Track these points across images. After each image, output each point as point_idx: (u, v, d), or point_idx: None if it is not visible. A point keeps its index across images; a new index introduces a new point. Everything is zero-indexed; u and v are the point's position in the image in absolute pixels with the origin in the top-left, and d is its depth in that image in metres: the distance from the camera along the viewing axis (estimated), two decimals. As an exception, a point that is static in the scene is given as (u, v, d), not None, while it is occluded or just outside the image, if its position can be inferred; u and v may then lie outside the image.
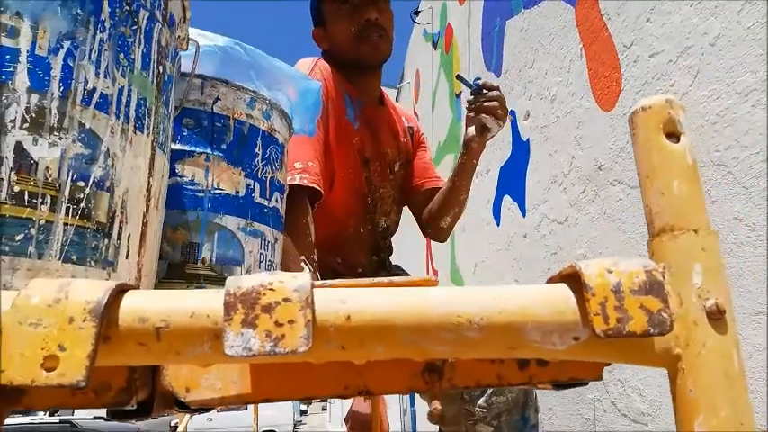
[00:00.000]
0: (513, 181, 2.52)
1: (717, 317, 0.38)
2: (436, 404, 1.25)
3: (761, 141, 1.07)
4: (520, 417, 1.49)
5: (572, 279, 0.38)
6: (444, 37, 3.93)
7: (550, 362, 0.43)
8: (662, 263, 0.40)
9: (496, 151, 2.72)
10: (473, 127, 1.39)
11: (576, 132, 1.89)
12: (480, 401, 1.46)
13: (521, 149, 2.43)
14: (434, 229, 1.58)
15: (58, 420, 12.55)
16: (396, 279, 0.39)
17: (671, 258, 0.40)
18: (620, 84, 1.63)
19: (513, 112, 2.54)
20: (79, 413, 12.78)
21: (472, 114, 1.37)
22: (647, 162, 0.42)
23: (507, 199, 2.58)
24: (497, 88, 1.36)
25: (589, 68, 1.82)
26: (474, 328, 0.36)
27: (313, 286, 0.36)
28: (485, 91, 1.34)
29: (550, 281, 0.40)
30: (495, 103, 1.34)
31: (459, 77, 1.46)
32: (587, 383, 0.45)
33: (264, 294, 0.35)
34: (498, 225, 2.70)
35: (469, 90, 1.37)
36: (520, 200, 2.42)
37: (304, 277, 0.36)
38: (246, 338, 0.34)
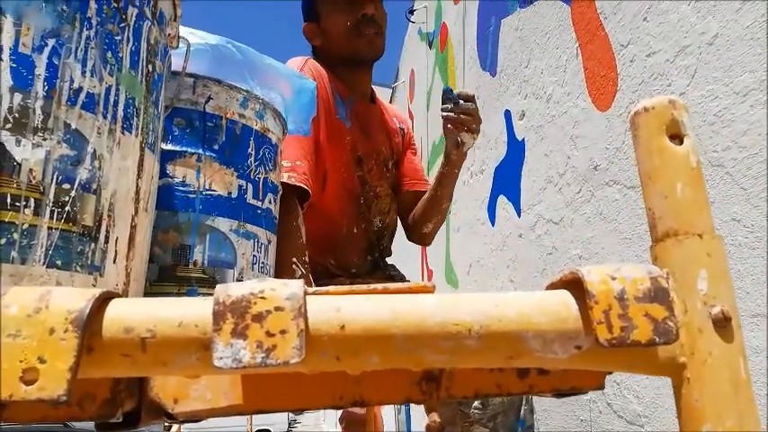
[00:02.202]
0: (508, 181, 2.51)
1: (723, 324, 0.37)
2: (434, 416, 1.24)
3: (759, 142, 1.07)
4: (515, 418, 1.48)
5: (573, 285, 0.37)
6: (439, 36, 3.92)
7: (551, 371, 0.42)
8: (666, 268, 0.38)
9: (491, 151, 2.71)
10: (450, 140, 1.41)
11: (571, 132, 1.88)
12: (476, 403, 1.45)
13: (516, 149, 2.42)
14: (417, 234, 1.63)
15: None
16: (391, 286, 0.37)
17: (675, 264, 0.38)
18: (616, 83, 1.62)
19: (508, 112, 2.53)
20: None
21: (450, 126, 1.38)
22: (648, 164, 0.41)
23: (502, 199, 2.57)
24: (472, 98, 1.36)
25: (585, 68, 1.81)
26: (472, 337, 0.35)
27: (306, 294, 0.34)
28: (461, 102, 1.34)
29: (551, 287, 0.39)
30: (469, 117, 1.35)
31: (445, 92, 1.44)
32: (587, 392, 0.44)
33: (255, 303, 0.33)
34: (493, 225, 2.69)
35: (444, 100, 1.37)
36: (515, 200, 2.41)
37: (296, 285, 0.34)
38: (236, 349, 0.32)
